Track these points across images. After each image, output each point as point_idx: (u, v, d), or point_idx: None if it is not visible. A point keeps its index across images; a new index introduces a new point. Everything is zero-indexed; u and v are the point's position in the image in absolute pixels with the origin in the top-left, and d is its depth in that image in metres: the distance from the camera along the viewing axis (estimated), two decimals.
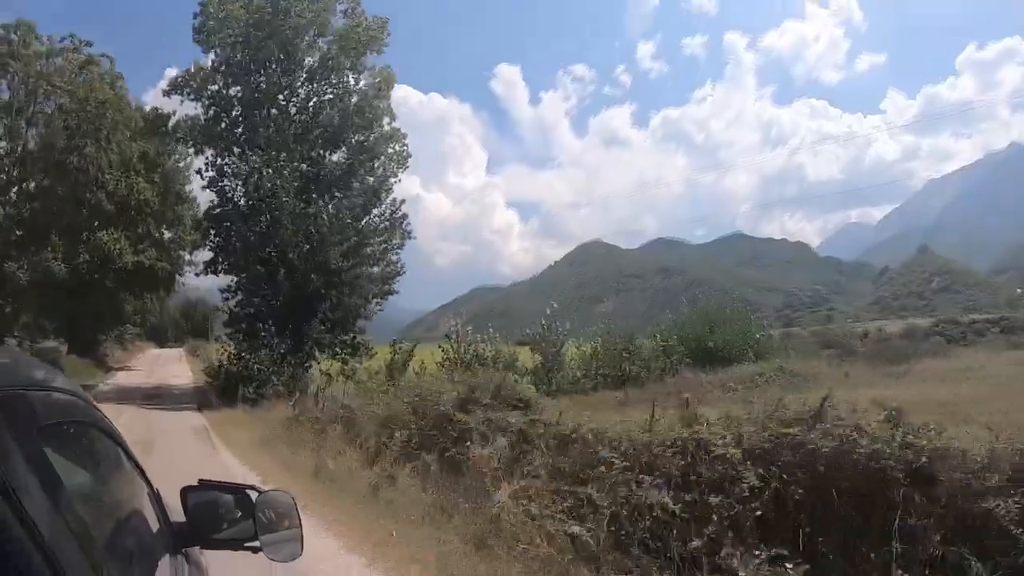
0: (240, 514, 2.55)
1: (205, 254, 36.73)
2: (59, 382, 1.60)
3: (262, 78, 33.72)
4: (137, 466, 2.35)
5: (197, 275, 42.33)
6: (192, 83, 34.46)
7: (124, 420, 18.76)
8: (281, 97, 34.24)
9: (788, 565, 6.05)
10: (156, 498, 2.50)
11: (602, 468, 7.99)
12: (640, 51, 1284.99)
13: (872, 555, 6.18)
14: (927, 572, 5.89)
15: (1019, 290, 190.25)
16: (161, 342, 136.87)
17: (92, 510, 1.74)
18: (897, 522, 6.08)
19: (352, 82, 35.47)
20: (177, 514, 2.55)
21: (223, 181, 33.70)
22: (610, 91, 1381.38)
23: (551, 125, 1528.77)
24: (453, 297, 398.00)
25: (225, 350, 32.23)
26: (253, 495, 2.55)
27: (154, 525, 2.36)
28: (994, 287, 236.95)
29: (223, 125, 33.97)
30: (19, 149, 41.66)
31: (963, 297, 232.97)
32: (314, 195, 32.20)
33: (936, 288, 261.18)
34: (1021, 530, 5.69)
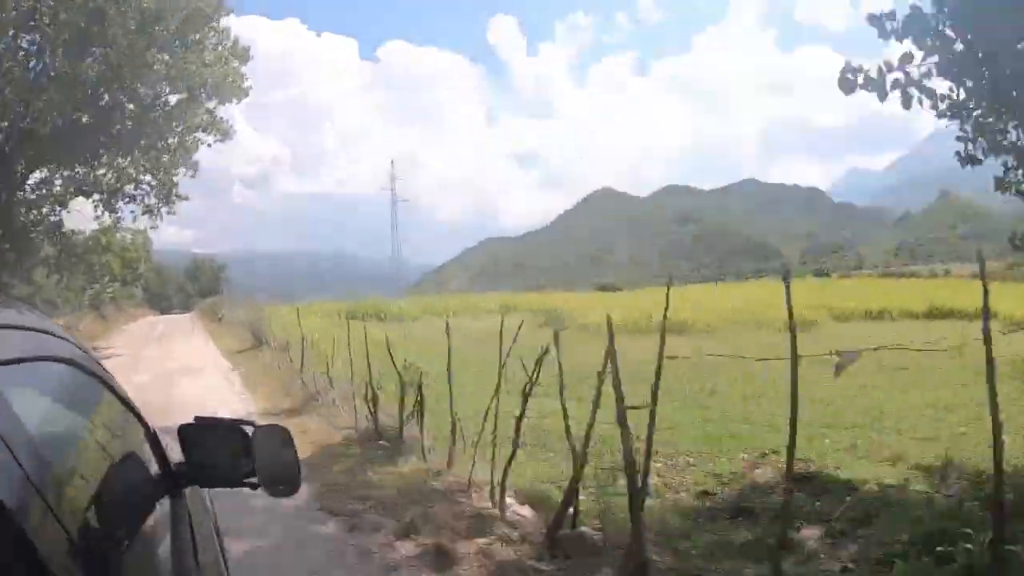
0: (237, 450, 2.48)
1: None
2: (28, 320, 1.58)
3: None
4: (131, 407, 2.33)
5: None
6: None
7: None
8: None
9: None
10: (152, 439, 2.47)
11: None
12: None
13: None
14: None
15: None
16: (164, 308, 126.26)
17: (78, 452, 1.77)
18: None
19: None
20: (176, 454, 2.50)
21: None
22: (610, 39, 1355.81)
23: (550, 76, 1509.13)
24: (461, 249, 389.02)
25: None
26: (249, 430, 2.48)
27: (151, 467, 2.34)
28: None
29: None
30: None
31: (989, 241, 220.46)
32: None
33: (961, 234, 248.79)
34: None
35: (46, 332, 1.60)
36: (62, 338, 1.72)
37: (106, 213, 31.72)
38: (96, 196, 30.91)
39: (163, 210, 32.17)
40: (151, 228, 37.35)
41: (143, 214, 32.26)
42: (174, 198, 32.28)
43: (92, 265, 48.50)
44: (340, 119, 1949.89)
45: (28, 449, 1.13)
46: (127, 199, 32.21)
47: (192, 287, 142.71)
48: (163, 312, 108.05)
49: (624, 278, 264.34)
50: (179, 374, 19.74)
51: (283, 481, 2.55)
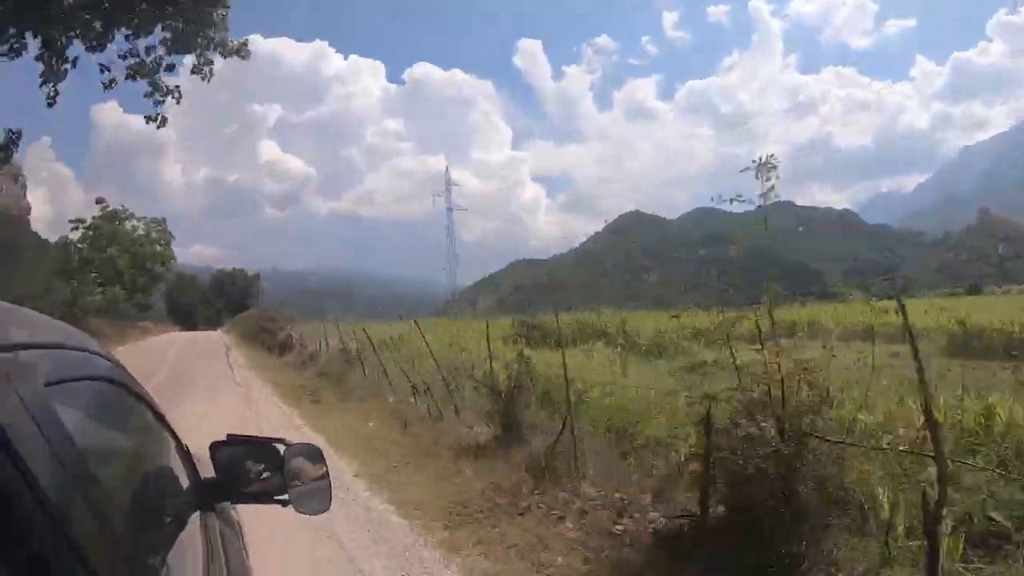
0: (269, 467, 2.57)
1: None
2: (70, 337, 1.61)
3: None
4: (165, 423, 2.39)
5: None
6: None
7: None
8: None
9: None
10: (185, 454, 2.55)
11: None
12: (665, 20, 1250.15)
13: None
14: None
15: None
16: (189, 324, 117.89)
17: (115, 468, 1.81)
18: None
19: None
20: (208, 470, 2.58)
21: None
22: (635, 62, 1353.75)
23: (575, 99, 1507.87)
24: (489, 271, 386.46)
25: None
26: (281, 448, 2.57)
27: (184, 481, 2.43)
28: None
29: None
30: None
31: None
32: None
33: (1004, 253, 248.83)
34: None
35: (88, 351, 1.66)
36: (102, 356, 1.77)
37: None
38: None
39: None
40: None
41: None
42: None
43: (88, 263, 43.13)
44: (367, 140, 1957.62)
45: (78, 465, 1.19)
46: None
47: (219, 301, 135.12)
48: (186, 327, 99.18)
49: (657, 300, 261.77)
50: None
51: (314, 499, 2.60)
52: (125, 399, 1.93)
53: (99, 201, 59.59)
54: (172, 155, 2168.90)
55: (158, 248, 62.01)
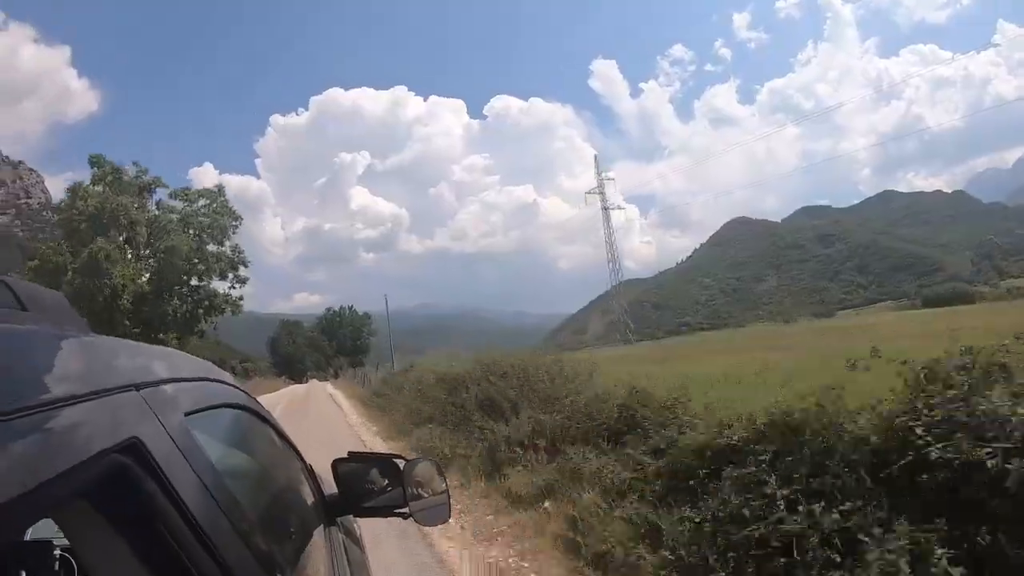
0: (388, 482, 2.69)
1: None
2: (209, 372, 1.75)
3: None
4: (291, 445, 2.54)
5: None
6: None
7: None
8: None
9: None
10: (310, 473, 2.70)
11: None
12: (736, 22, 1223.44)
13: None
14: None
15: None
16: (296, 374, 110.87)
17: (248, 488, 1.93)
18: None
19: None
20: (330, 486, 2.76)
21: None
22: (711, 68, 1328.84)
23: (655, 114, 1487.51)
24: (592, 296, 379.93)
25: None
26: (400, 463, 2.69)
27: (308, 498, 2.57)
28: None
29: None
30: None
31: None
32: None
33: None
34: None
35: (221, 381, 1.79)
36: (233, 386, 1.90)
37: None
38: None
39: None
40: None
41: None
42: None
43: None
44: (455, 178, 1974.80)
45: (217, 486, 1.28)
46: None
47: (329, 345, 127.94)
48: (294, 379, 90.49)
49: (777, 308, 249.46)
50: None
51: (433, 511, 2.69)
52: (255, 424, 2.08)
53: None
54: (269, 211, 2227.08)
55: (224, 224, 51.58)
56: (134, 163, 50.94)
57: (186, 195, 50.96)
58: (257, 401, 2.14)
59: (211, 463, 1.29)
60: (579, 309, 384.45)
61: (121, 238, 46.82)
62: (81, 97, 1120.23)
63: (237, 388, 1.92)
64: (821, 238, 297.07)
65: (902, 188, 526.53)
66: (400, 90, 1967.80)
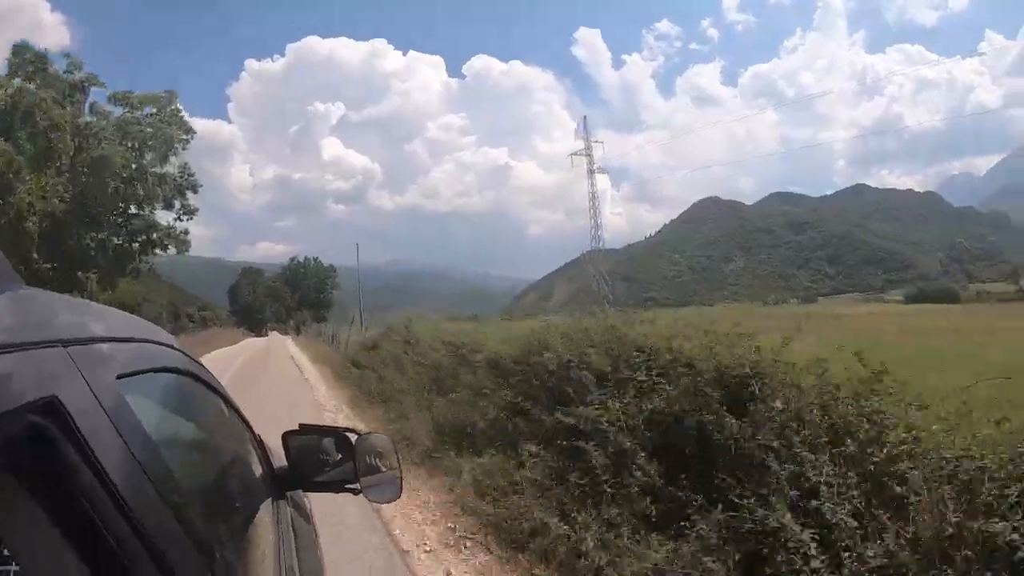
0: (340, 456, 2.57)
1: None
2: (154, 334, 1.64)
3: None
4: (239, 414, 2.42)
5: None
6: None
7: None
8: None
9: None
10: (259, 444, 2.58)
11: None
12: (726, 3, 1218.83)
13: None
14: None
15: None
16: (255, 325, 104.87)
17: (187, 459, 1.86)
18: None
19: None
20: (280, 459, 2.64)
21: None
22: (697, 47, 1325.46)
23: (637, 87, 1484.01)
24: (560, 263, 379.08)
25: None
26: (352, 438, 2.58)
27: (256, 471, 2.45)
28: None
29: None
30: None
31: None
32: None
33: None
34: None
35: (165, 344, 1.68)
36: (176, 349, 1.79)
37: None
38: None
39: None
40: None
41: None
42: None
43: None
44: (430, 135, 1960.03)
45: (149, 455, 1.23)
46: None
47: (293, 296, 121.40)
48: (254, 331, 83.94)
49: (744, 290, 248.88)
50: None
51: (385, 488, 2.61)
52: (200, 391, 1.96)
53: None
54: (240, 157, 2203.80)
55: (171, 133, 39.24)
56: (65, 55, 39.47)
57: (127, 99, 38.40)
58: (203, 366, 2.00)
59: (143, 430, 1.23)
60: (546, 274, 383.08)
61: (34, 145, 33.86)
62: (53, 31, 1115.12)
63: (183, 353, 1.80)
64: (793, 225, 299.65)
65: (875, 183, 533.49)
66: (379, 42, 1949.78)
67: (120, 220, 39.39)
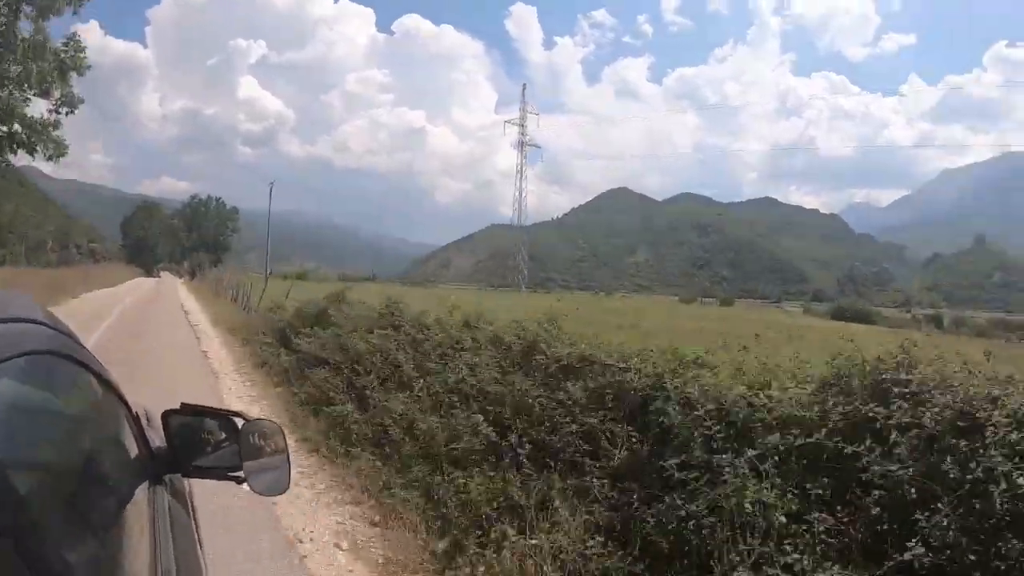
0: (225, 440, 2.41)
1: None
2: (11, 310, 1.53)
3: None
4: (116, 392, 2.21)
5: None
6: None
7: None
8: None
9: None
10: (135, 422, 2.34)
11: None
12: (664, 2, 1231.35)
13: None
14: None
15: None
16: (146, 263, 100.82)
17: (55, 440, 1.73)
18: None
19: None
20: (160, 440, 2.48)
21: None
22: (629, 41, 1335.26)
23: (564, 71, 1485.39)
24: (463, 233, 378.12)
25: None
26: (239, 422, 2.41)
27: (131, 453, 2.26)
28: None
29: None
30: None
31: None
32: None
33: (998, 282, 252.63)
34: None
35: (26, 320, 1.54)
36: (43, 324, 1.63)
37: None
38: None
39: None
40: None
41: None
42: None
43: None
44: (349, 88, 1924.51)
45: (6, 441, 1.20)
46: None
47: (188, 236, 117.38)
48: (141, 269, 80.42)
49: (643, 282, 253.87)
50: None
51: (271, 477, 2.43)
52: (69, 368, 1.79)
53: None
54: (152, 84, 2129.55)
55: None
56: None
57: None
58: (73, 340, 1.80)
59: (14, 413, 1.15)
60: (446, 243, 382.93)
61: None
62: None
63: (48, 326, 1.62)
64: (699, 226, 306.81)
65: (782, 199, 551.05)
66: None
67: None
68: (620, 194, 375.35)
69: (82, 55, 27.45)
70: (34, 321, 1.51)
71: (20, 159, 29.28)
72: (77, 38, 27.66)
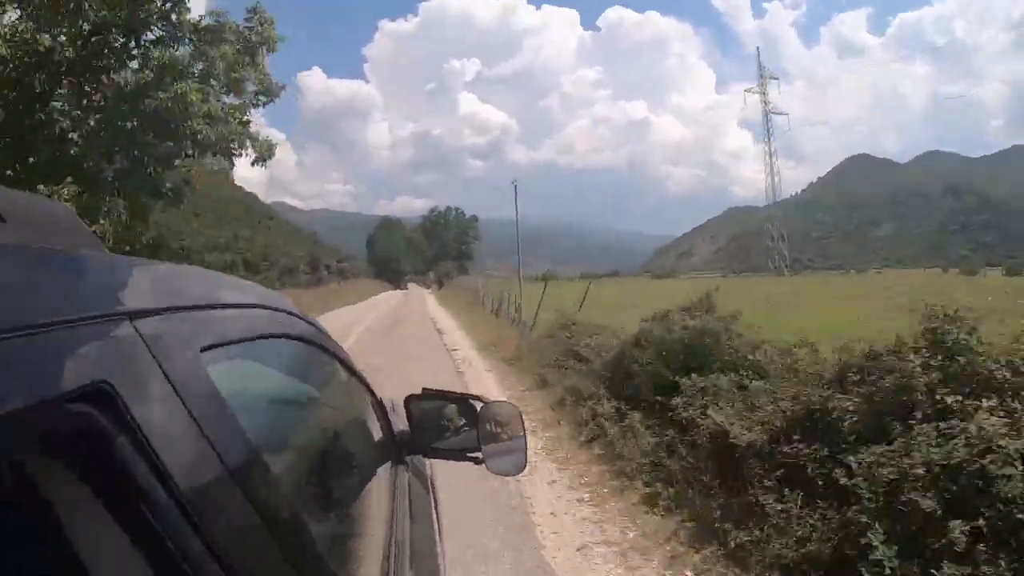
0: (464, 423, 2.53)
1: None
2: (268, 300, 1.58)
3: None
4: (359, 378, 2.39)
5: None
6: None
7: None
8: None
9: None
10: (380, 408, 2.55)
11: None
12: None
13: None
14: None
15: None
16: (393, 277, 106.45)
17: (303, 422, 1.90)
18: None
19: None
20: (403, 424, 2.62)
21: None
22: None
23: (778, 37, 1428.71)
24: (699, 221, 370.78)
25: None
26: (477, 405, 2.50)
27: (375, 435, 2.43)
28: None
29: None
30: None
31: None
32: None
33: None
34: None
35: (283, 311, 1.63)
36: (295, 315, 1.74)
37: None
38: None
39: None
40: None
41: None
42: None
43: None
44: (565, 90, 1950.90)
45: (257, 419, 1.22)
46: None
47: (432, 247, 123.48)
48: (389, 282, 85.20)
49: (895, 256, 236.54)
50: None
51: (508, 459, 2.46)
52: (318, 356, 1.91)
53: None
54: (377, 114, 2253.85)
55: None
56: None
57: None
58: (322, 331, 1.94)
59: (227, 410, 1.11)
60: (684, 232, 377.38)
61: None
62: None
63: (299, 317, 1.74)
64: (949, 188, 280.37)
65: None
66: None
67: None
68: (858, 161, 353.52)
69: (270, 26, 21.05)
70: (288, 312, 1.66)
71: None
72: (260, 7, 20.85)
